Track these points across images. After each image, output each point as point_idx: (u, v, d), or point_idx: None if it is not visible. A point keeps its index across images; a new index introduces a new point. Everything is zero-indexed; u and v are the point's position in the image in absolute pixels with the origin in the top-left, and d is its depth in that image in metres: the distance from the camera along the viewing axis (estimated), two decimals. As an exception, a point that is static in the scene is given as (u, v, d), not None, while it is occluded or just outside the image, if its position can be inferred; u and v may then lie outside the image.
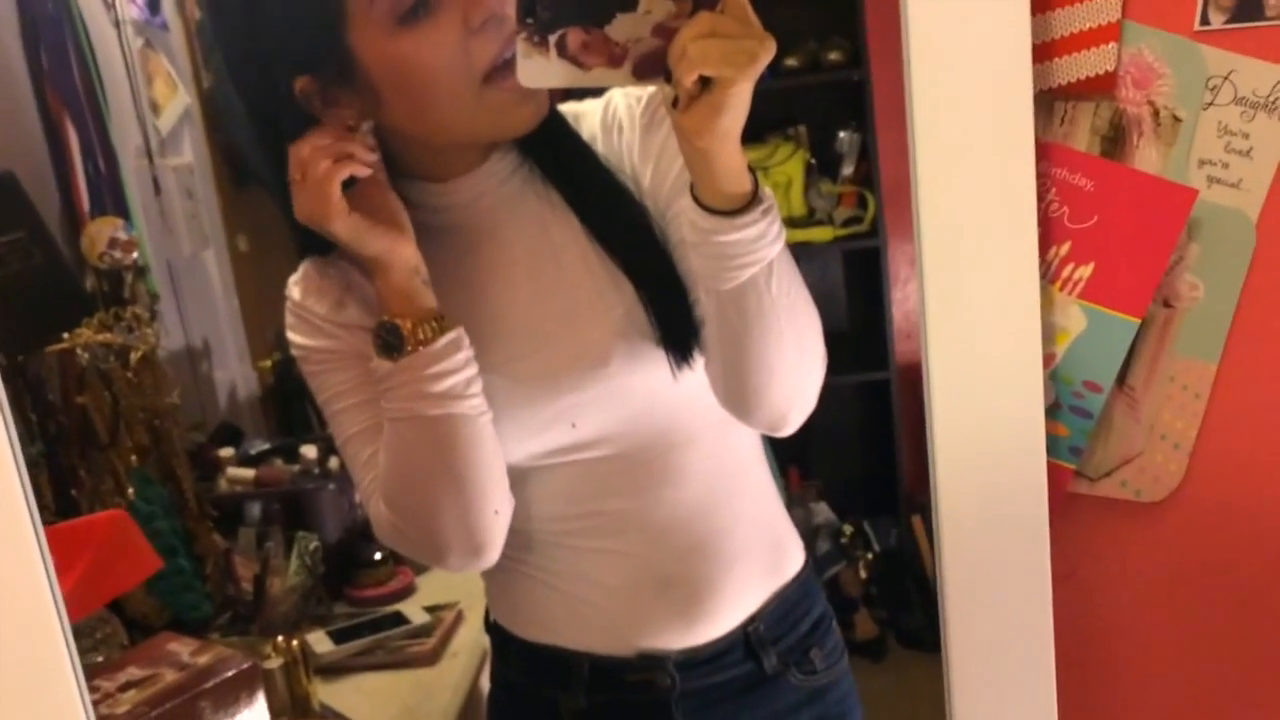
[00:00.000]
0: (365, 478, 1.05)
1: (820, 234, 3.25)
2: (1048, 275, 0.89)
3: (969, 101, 0.76)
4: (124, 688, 1.39)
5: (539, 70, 0.81)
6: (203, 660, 1.45)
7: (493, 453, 1.01)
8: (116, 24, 2.59)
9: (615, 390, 1.07)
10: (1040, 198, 0.88)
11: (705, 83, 0.80)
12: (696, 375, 1.09)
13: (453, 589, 2.28)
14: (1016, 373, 0.79)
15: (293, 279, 1.09)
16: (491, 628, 1.25)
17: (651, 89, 1.07)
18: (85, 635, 1.84)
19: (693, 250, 0.93)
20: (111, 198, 2.44)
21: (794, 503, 3.67)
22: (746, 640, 1.17)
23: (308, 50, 0.96)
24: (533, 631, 1.19)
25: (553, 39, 0.80)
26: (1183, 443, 0.97)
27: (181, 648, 1.48)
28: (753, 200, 0.88)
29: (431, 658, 2.09)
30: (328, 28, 0.94)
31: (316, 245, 1.03)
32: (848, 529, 3.57)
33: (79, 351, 2.03)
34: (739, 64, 0.77)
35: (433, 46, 0.94)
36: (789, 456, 3.49)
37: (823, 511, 3.65)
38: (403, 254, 0.97)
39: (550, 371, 1.07)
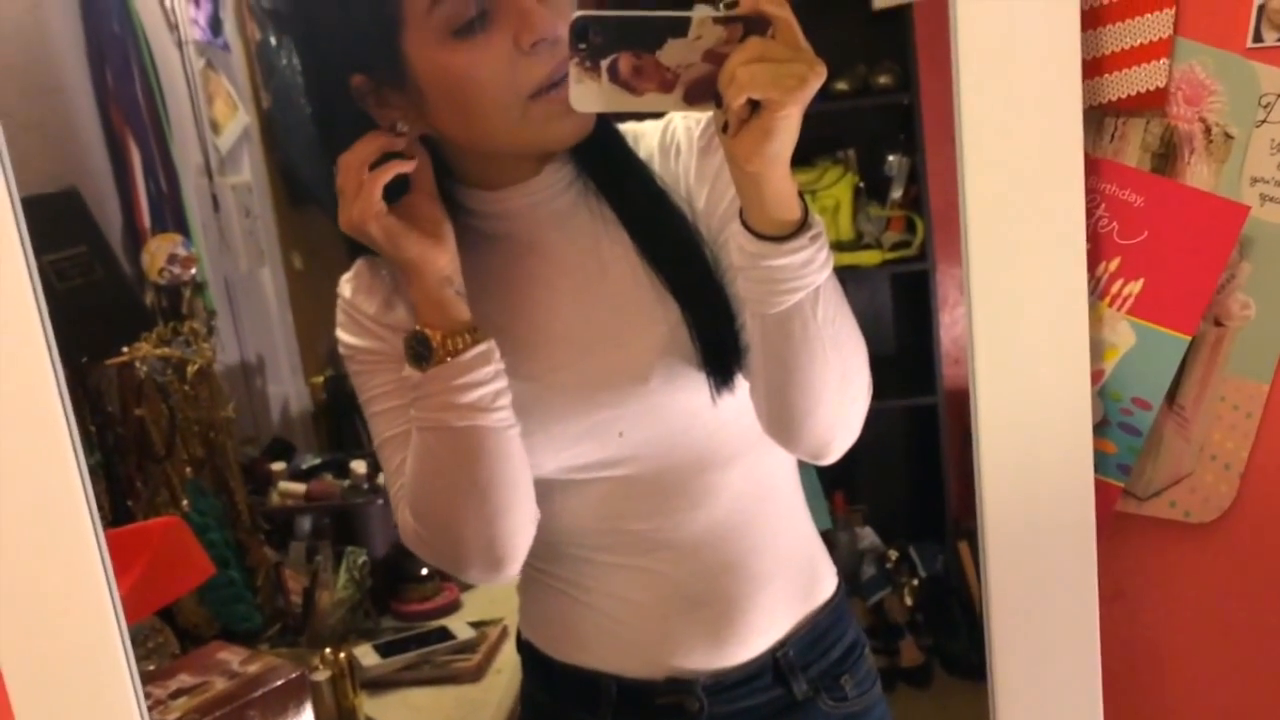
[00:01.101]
0: (394, 484, 1.07)
1: (868, 257, 3.23)
2: (1097, 291, 0.89)
3: (1018, 120, 0.76)
4: (175, 695, 1.41)
5: (591, 95, 0.83)
6: (252, 669, 1.47)
7: (518, 467, 1.02)
8: (180, 44, 2.65)
9: (653, 408, 1.08)
10: (1090, 213, 0.88)
11: (755, 107, 0.81)
12: (736, 399, 1.09)
13: (498, 605, 2.29)
14: (1065, 390, 0.79)
15: (345, 277, 1.11)
16: (522, 646, 1.26)
17: (710, 113, 1.08)
18: (139, 644, 1.87)
19: (740, 274, 0.94)
20: (172, 215, 2.49)
21: (839, 527, 3.64)
22: (775, 665, 1.16)
23: (364, 49, 0.99)
24: (561, 650, 1.19)
25: (605, 64, 0.82)
26: (1234, 463, 0.96)
27: (232, 656, 1.50)
28: (802, 226, 0.89)
29: (476, 674, 2.10)
30: (384, 30, 0.97)
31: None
32: (893, 554, 3.53)
33: (138, 365, 2.07)
34: (788, 87, 0.78)
35: (483, 62, 0.97)
36: (835, 480, 3.46)
37: (868, 536, 3.62)
38: (436, 263, 0.98)
39: (589, 384, 1.07)
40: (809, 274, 0.90)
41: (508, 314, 1.08)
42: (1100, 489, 0.90)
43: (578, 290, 1.09)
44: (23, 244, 0.88)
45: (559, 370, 1.08)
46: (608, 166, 1.10)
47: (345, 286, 1.12)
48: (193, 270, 2.40)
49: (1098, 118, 0.90)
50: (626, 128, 1.14)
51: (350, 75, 1.00)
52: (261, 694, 1.42)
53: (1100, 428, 0.90)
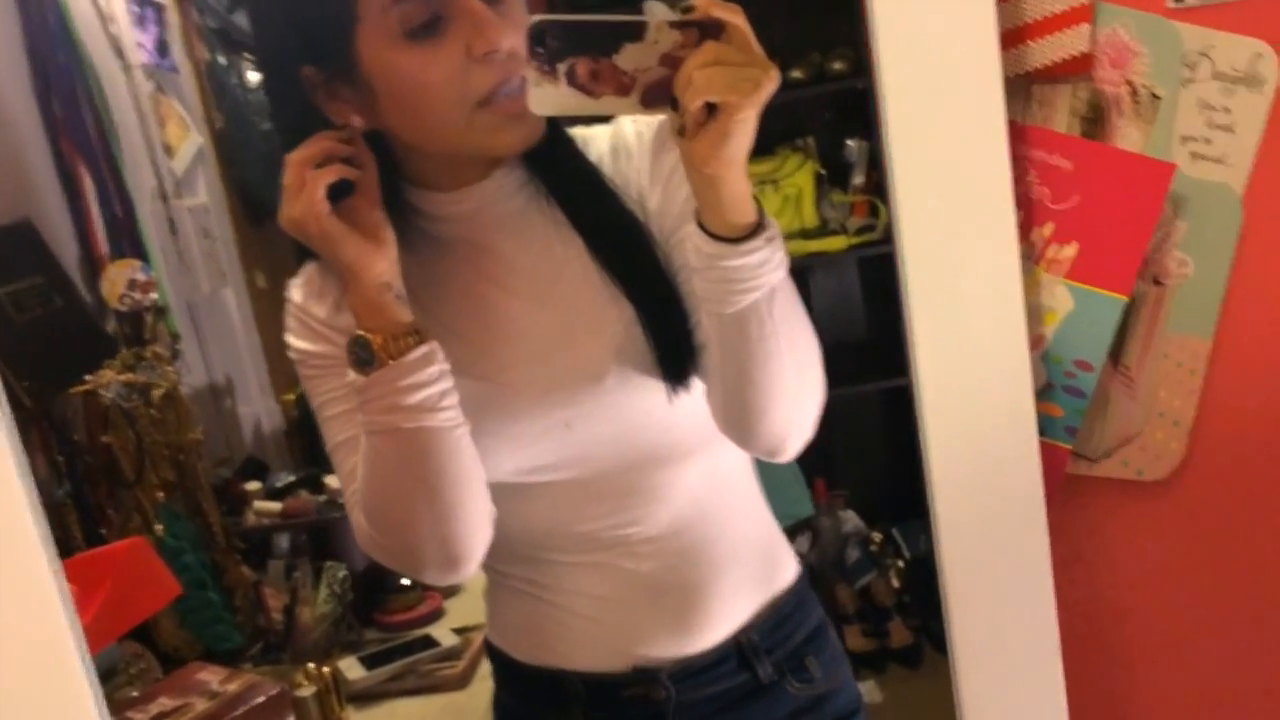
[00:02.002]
0: (348, 488, 1.07)
1: (834, 243, 3.25)
2: (1032, 257, 0.90)
3: (938, 93, 0.77)
4: (157, 718, 1.41)
5: (549, 98, 0.83)
6: (232, 688, 1.47)
7: (469, 465, 1.02)
8: (126, 69, 2.64)
9: (608, 407, 1.08)
10: (1020, 180, 0.89)
11: (711, 110, 0.82)
12: (691, 397, 1.09)
13: (480, 611, 2.28)
14: (1004, 357, 0.80)
15: (294, 281, 1.11)
16: (491, 652, 1.26)
17: (662, 116, 1.09)
18: (120, 671, 1.87)
19: (696, 274, 0.95)
20: (129, 240, 2.48)
21: (822, 513, 3.66)
22: (740, 650, 1.17)
23: (316, 42, 0.99)
24: (526, 652, 1.19)
25: (562, 68, 0.82)
26: (1182, 419, 0.97)
27: (211, 677, 1.50)
28: (757, 228, 0.90)
29: (461, 681, 2.10)
30: (338, 25, 0.97)
31: None
32: (877, 536, 3.55)
33: (102, 392, 2.06)
34: (744, 91, 0.79)
35: (434, 65, 0.97)
36: (815, 467, 3.48)
37: (851, 519, 3.63)
38: (374, 267, 0.98)
39: (544, 384, 1.08)
40: (765, 274, 0.91)
41: (460, 316, 1.08)
42: (1049, 452, 0.91)
43: (531, 292, 1.10)
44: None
45: (512, 370, 1.08)
46: (558, 170, 1.11)
47: (295, 291, 1.11)
48: (153, 294, 2.39)
49: (1024, 86, 0.90)
50: (576, 131, 1.14)
51: (300, 66, 1.01)
52: (243, 712, 1.42)
53: (1045, 392, 0.91)
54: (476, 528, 1.03)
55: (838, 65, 3.22)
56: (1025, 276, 0.89)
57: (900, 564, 3.54)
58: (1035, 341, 0.90)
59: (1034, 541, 0.84)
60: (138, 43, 2.73)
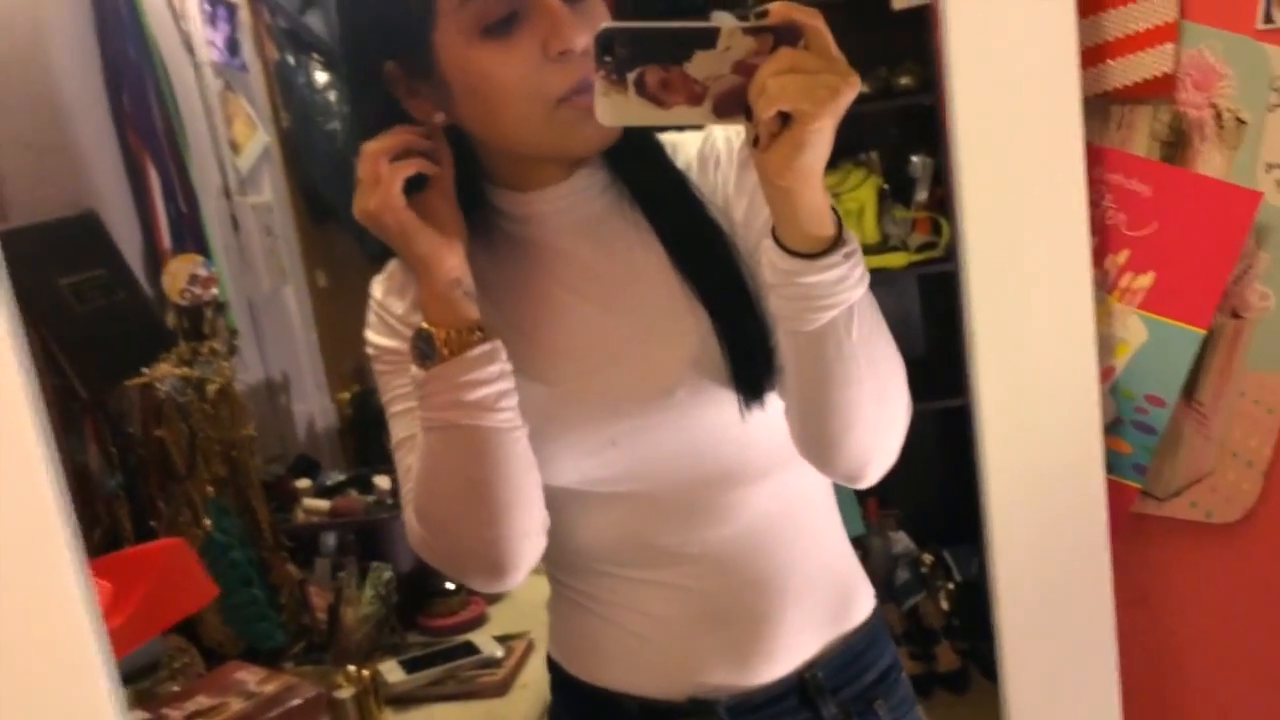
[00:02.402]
0: (405, 486, 1.05)
1: (895, 259, 3.20)
2: (1105, 285, 0.86)
3: (1013, 111, 0.73)
4: (191, 717, 1.41)
5: (617, 109, 0.80)
6: (269, 689, 1.46)
7: (522, 470, 1.00)
8: (196, 66, 2.67)
9: (678, 420, 1.06)
10: (1095, 204, 0.85)
11: (786, 120, 0.79)
12: (766, 415, 1.06)
13: (524, 619, 2.27)
14: (1072, 387, 0.76)
15: (378, 278, 1.11)
16: (550, 664, 1.24)
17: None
18: (163, 665, 1.87)
19: (773, 291, 0.91)
20: (192, 236, 2.50)
21: (872, 532, 3.61)
22: (803, 687, 1.13)
23: (396, 37, 0.98)
24: (585, 669, 1.17)
25: (631, 77, 0.79)
26: (1256, 460, 0.93)
27: (249, 676, 1.50)
28: (836, 243, 0.86)
29: (501, 688, 2.08)
30: (417, 20, 0.96)
31: None
32: (927, 558, 3.49)
33: (157, 385, 2.07)
34: (819, 99, 0.75)
35: (508, 64, 0.96)
36: (867, 486, 3.44)
37: (902, 540, 3.58)
38: (445, 262, 0.97)
39: (613, 391, 1.05)
40: (843, 291, 0.87)
41: (532, 319, 1.07)
42: (1116, 490, 0.87)
43: (605, 298, 1.08)
44: None
45: (582, 377, 1.06)
46: (644, 174, 1.09)
47: (377, 287, 1.11)
48: (214, 290, 2.40)
49: (1102, 106, 0.87)
50: (666, 137, 1.12)
51: (383, 62, 1.00)
52: (279, 713, 1.41)
53: (1114, 426, 0.87)
54: (525, 534, 1.01)
55: (904, 80, 3.19)
56: (1097, 305, 0.85)
57: (950, 587, 3.48)
58: (1105, 374, 0.86)
59: (1096, 581, 0.80)
60: (209, 40, 2.76)
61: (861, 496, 3.54)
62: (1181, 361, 0.85)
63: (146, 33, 2.43)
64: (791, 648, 1.12)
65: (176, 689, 1.78)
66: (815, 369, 0.91)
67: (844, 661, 1.16)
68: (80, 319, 2.07)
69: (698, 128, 1.13)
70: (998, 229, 0.73)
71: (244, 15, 2.94)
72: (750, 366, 1.04)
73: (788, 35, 0.77)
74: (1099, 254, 0.83)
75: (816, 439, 0.96)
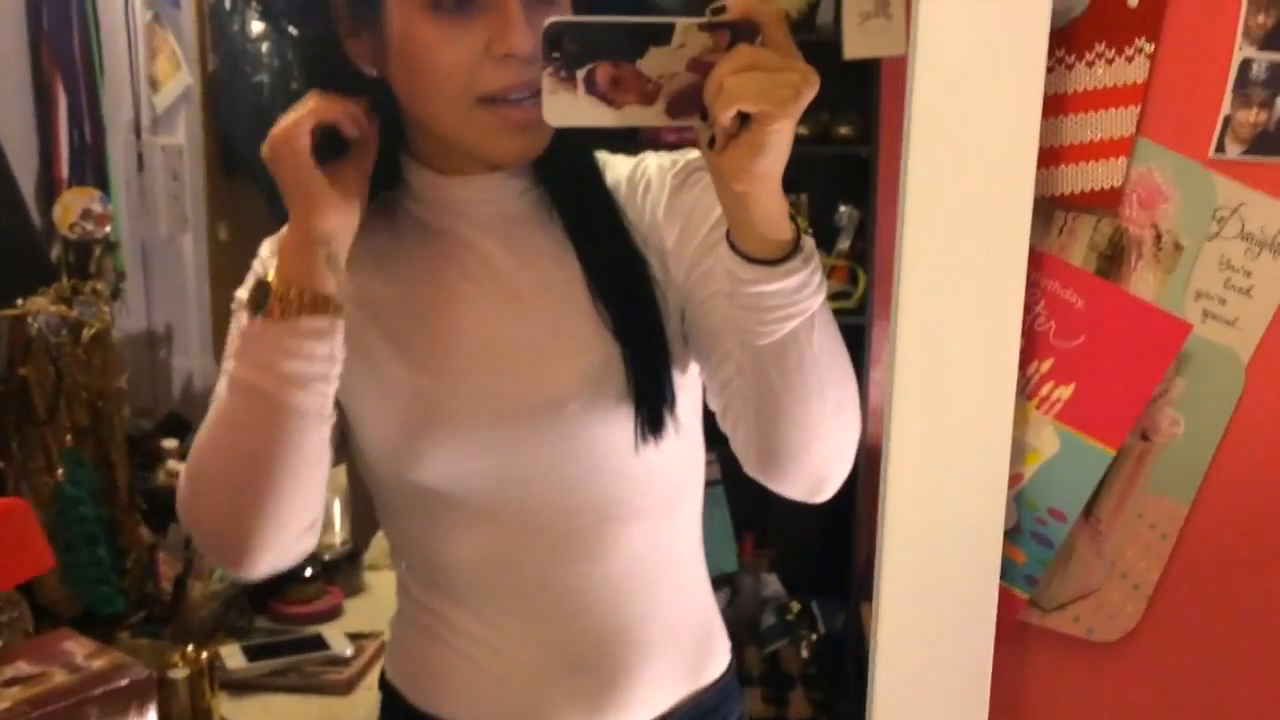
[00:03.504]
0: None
1: (807, 305, 3.19)
2: (1025, 390, 0.84)
3: (967, 194, 0.71)
4: (9, 683, 1.31)
5: (565, 107, 0.75)
6: (97, 665, 1.38)
7: (308, 462, 0.93)
8: (126, -6, 2.55)
9: (564, 438, 1.02)
10: (1028, 309, 0.83)
11: (744, 120, 0.75)
12: (656, 451, 1.03)
13: (381, 618, 2.20)
14: (979, 488, 0.74)
15: (270, 238, 1.06)
16: (384, 686, 1.18)
17: (689, 155, 1.03)
18: (-10, 616, 1.76)
19: (730, 301, 0.86)
20: (93, 169, 2.38)
21: (745, 570, 3.61)
22: None
23: None
24: (426, 699, 1.12)
25: (581, 74, 0.74)
26: (1143, 584, 0.92)
27: (77, 648, 1.41)
28: (794, 248, 0.82)
29: (346, 687, 2.01)
30: None
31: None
32: (795, 606, 3.51)
33: (30, 320, 1.96)
34: (780, 99, 0.72)
35: (447, 47, 0.93)
36: (746, 522, 3.43)
37: (773, 584, 3.59)
38: (326, 216, 0.91)
39: (501, 396, 1.01)
40: (803, 299, 0.82)
41: (432, 309, 1.03)
42: (1004, 598, 0.86)
43: (508, 299, 1.04)
44: None
45: (470, 376, 1.02)
46: (570, 185, 1.05)
47: (265, 246, 1.06)
48: (106, 228, 2.29)
49: (1048, 209, 0.85)
50: (599, 155, 1.09)
51: None
52: (102, 692, 1.33)
53: (1012, 534, 0.85)
54: (283, 527, 0.94)
55: (844, 129, 3.20)
56: (1015, 410, 0.84)
57: (813, 637, 3.49)
58: (1013, 480, 0.85)
59: (974, 690, 0.78)
60: (144, -32, 2.64)
61: (739, 532, 3.53)
62: (1089, 478, 0.84)
63: (78, -51, 2.31)
64: (646, 700, 1.10)
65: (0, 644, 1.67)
66: (775, 381, 0.86)
67: (695, 716, 1.14)
68: (-45, 239, 1.95)
69: (631, 149, 1.09)
70: (932, 315, 0.71)
71: (186, -52, 2.82)
72: (654, 394, 1.01)
73: (745, 31, 0.73)
74: (1024, 358, 0.82)
75: (775, 453, 0.91)
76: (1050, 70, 0.83)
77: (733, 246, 0.83)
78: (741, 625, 3.54)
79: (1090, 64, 0.83)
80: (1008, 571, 0.85)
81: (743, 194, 0.78)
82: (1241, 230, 0.88)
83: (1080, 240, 0.86)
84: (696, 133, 0.78)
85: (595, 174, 1.08)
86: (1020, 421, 0.83)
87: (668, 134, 3.16)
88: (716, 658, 1.18)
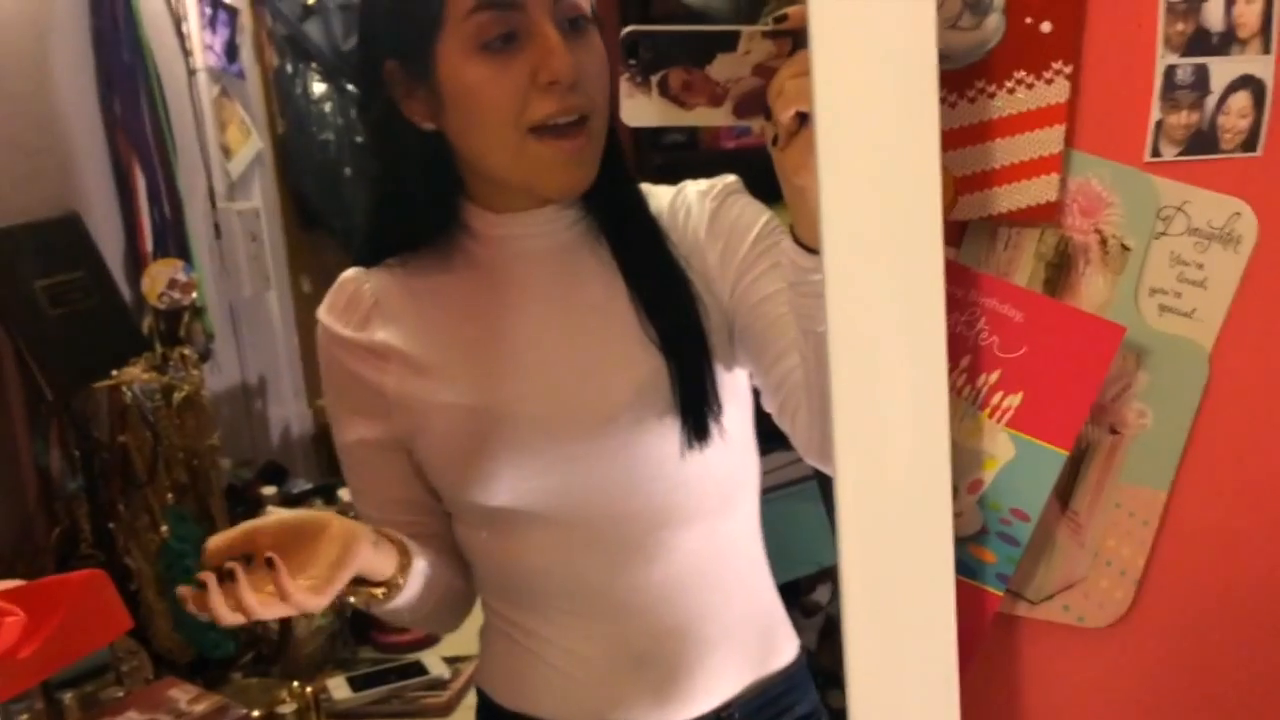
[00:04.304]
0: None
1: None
2: (977, 402, 0.89)
3: (880, 228, 0.77)
4: (120, 731, 1.44)
5: (641, 109, 0.83)
6: (199, 709, 1.50)
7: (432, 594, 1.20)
8: (190, 72, 2.71)
9: (617, 450, 1.09)
10: (971, 326, 0.88)
11: (804, 119, 0.82)
12: (704, 457, 1.10)
13: (474, 642, 2.31)
14: (926, 493, 0.80)
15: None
16: (478, 693, 1.28)
17: (726, 179, 1.10)
18: (111, 667, 1.91)
19: (793, 290, 0.94)
20: (175, 241, 2.55)
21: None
22: None
23: (402, 38, 1.04)
24: (510, 698, 1.21)
25: (655, 79, 0.82)
26: (1129, 570, 0.96)
27: (181, 695, 1.53)
28: None
29: (445, 710, 2.12)
30: (424, 25, 1.02)
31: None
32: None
33: (124, 390, 2.11)
34: None
35: (497, 82, 1.01)
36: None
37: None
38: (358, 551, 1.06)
39: (556, 417, 1.09)
40: None
41: (487, 340, 1.12)
42: (979, 596, 0.91)
43: (562, 325, 1.12)
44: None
45: (527, 400, 1.10)
46: (615, 211, 1.13)
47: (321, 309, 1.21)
48: (192, 294, 2.45)
49: (990, 228, 0.90)
50: (642, 186, 1.16)
51: (384, 59, 1.06)
52: (203, 734, 1.45)
53: (980, 537, 0.90)
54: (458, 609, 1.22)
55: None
56: (969, 420, 0.88)
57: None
58: (974, 486, 0.89)
59: (943, 698, 0.84)
60: (207, 45, 2.80)
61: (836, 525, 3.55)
62: (1046, 479, 0.88)
63: (141, 38, 2.48)
64: (710, 689, 1.17)
65: (120, 695, 1.82)
66: None
67: (761, 704, 1.20)
68: (53, 321, 2.11)
69: (673, 180, 1.16)
70: (861, 344, 0.77)
71: (245, 20, 2.98)
72: (698, 403, 1.08)
73: (806, 39, 0.80)
74: (973, 372, 0.87)
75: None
76: (972, 101, 0.87)
77: (795, 240, 0.90)
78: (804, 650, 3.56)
79: (1011, 90, 0.87)
80: (979, 572, 0.90)
81: (803, 187, 0.86)
82: (1188, 226, 0.91)
83: (1026, 252, 0.90)
84: (763, 131, 0.85)
85: (640, 202, 1.15)
86: (975, 431, 0.88)
87: (727, 140, 3.22)
88: (781, 649, 1.24)
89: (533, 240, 1.13)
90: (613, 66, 0.97)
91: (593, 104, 1.04)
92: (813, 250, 0.90)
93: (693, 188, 1.16)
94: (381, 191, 1.16)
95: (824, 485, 3.33)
